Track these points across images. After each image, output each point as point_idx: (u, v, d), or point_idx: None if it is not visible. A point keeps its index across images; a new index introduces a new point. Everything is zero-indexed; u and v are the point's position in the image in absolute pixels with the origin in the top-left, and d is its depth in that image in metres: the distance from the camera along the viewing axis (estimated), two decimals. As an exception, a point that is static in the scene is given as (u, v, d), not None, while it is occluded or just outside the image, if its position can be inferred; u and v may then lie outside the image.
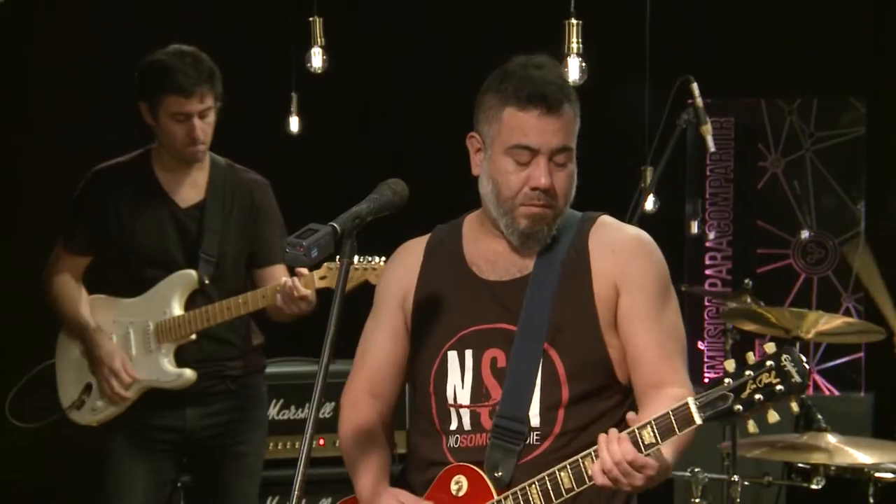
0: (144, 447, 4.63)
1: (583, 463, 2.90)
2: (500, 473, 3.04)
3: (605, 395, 3.10)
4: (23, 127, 6.50)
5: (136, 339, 4.64)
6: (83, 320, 4.67)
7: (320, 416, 2.85)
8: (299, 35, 5.93)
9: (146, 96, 4.51)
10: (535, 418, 3.06)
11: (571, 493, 2.92)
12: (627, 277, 3.10)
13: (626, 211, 4.88)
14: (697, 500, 5.01)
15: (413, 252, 3.27)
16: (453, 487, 3.07)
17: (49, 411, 4.80)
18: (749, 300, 5.42)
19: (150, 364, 4.60)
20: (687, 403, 2.78)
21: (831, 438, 4.98)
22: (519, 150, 3.06)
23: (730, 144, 7.05)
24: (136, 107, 4.55)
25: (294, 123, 6.32)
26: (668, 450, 2.87)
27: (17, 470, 6.50)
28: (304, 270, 4.39)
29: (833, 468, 4.92)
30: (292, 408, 5.72)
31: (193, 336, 4.57)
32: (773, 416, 2.74)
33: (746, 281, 5.53)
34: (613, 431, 2.85)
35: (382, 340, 3.26)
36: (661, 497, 6.48)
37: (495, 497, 3.02)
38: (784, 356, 2.72)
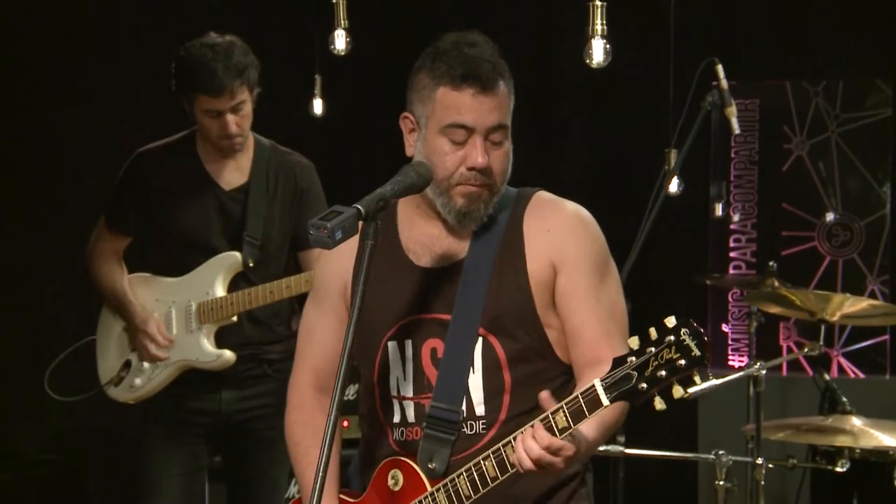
0: (181, 429, 4.66)
1: (504, 451, 2.88)
2: (433, 465, 3.02)
3: (547, 377, 3.07)
4: (62, 100, 6.53)
5: (177, 318, 4.66)
6: (120, 290, 4.69)
7: (345, 397, 2.86)
8: (323, 17, 5.92)
9: (180, 91, 4.53)
10: (479, 406, 3.04)
11: (497, 482, 2.91)
12: (564, 256, 3.05)
13: (650, 193, 4.87)
14: (721, 483, 4.99)
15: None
16: (390, 482, 3.07)
17: (88, 387, 4.84)
18: (774, 283, 5.40)
19: (191, 344, 4.61)
20: (594, 385, 2.75)
21: (856, 421, 4.97)
22: (454, 130, 3.01)
23: (755, 126, 7.02)
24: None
25: (318, 106, 6.31)
26: (588, 429, 2.88)
27: (52, 450, 6.54)
28: None
29: (858, 451, 4.92)
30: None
31: (235, 318, 4.59)
32: (677, 391, 2.69)
33: (771, 263, 5.52)
34: (528, 427, 2.83)
35: (326, 332, 3.21)
36: (684, 479, 6.49)
37: (428, 489, 3.01)
38: (683, 329, 2.68)
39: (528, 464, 2.82)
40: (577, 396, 2.78)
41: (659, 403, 2.72)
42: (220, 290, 4.60)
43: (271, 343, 4.69)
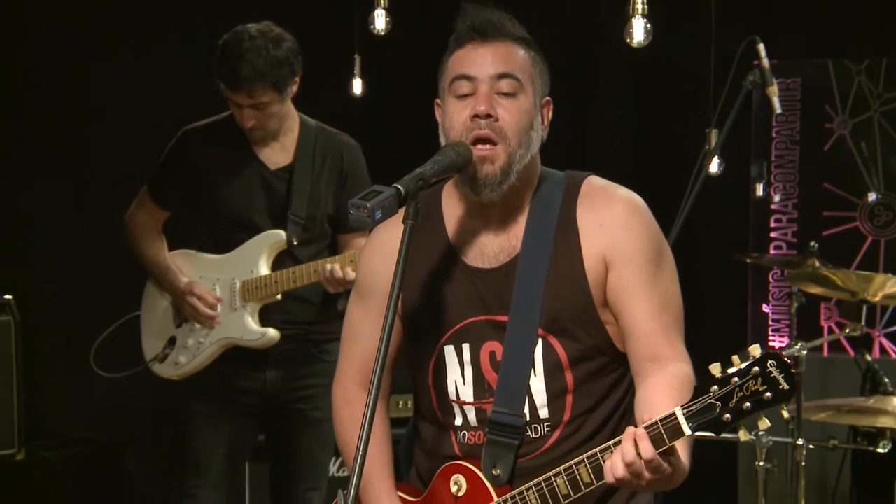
0: (226, 408, 4.69)
1: (577, 469, 2.83)
2: (498, 472, 2.98)
3: (608, 371, 3.03)
4: (117, 80, 6.59)
5: (221, 295, 4.68)
6: (164, 261, 4.73)
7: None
8: (362, -3, 5.93)
9: (215, 72, 4.55)
10: (543, 409, 2.99)
11: (569, 500, 2.85)
12: (616, 251, 2.97)
13: (691, 173, 4.85)
14: (762, 464, 4.98)
15: (393, 228, 2.94)
16: (453, 487, 3.02)
17: (132, 364, 4.86)
18: (815, 263, 5.37)
19: (235, 322, 4.64)
20: (675, 414, 2.68)
21: (898, 402, 4.95)
22: (458, 83, 2.98)
23: (796, 106, 6.97)
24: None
25: (357, 86, 6.32)
26: (683, 455, 2.79)
27: (95, 428, 6.59)
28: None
29: (899, 432, 4.90)
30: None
31: (279, 296, 4.60)
32: (763, 423, 2.65)
33: (812, 244, 5.49)
34: (630, 430, 2.74)
35: (373, 332, 3.04)
36: (725, 461, 6.47)
37: (495, 499, 2.96)
38: (770, 361, 2.61)
39: (621, 471, 2.71)
40: (656, 423, 2.70)
41: (744, 435, 2.68)
42: (264, 269, 4.62)
43: (315, 323, 4.70)
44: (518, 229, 3.02)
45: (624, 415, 3.07)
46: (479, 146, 2.94)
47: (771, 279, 7.00)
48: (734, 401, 2.64)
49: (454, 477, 3.02)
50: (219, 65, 4.51)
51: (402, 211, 2.87)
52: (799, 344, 4.94)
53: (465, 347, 3.04)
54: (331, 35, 6.51)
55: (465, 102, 2.96)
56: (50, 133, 6.58)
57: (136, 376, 4.86)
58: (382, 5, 5.76)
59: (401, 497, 3.13)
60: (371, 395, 2.70)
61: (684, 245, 4.71)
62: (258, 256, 4.62)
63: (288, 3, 5.72)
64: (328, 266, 4.44)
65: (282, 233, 4.61)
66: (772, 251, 7.00)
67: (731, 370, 2.65)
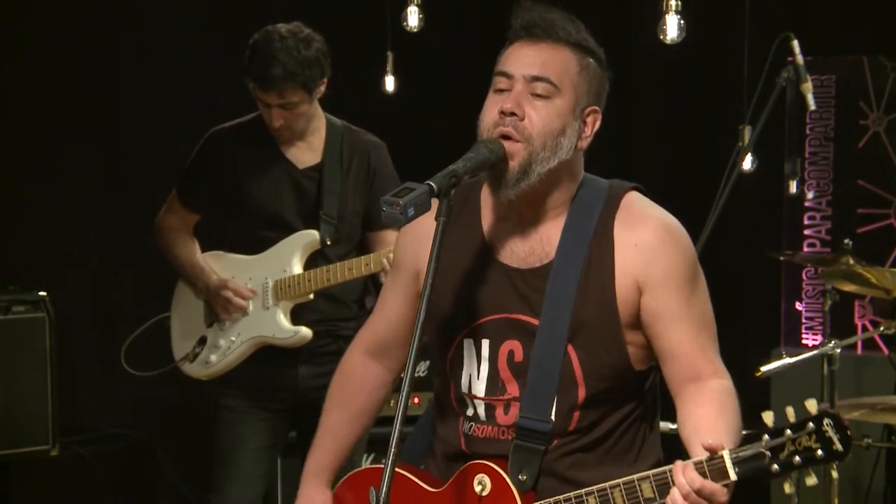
0: (258, 405, 4.70)
1: (611, 493, 2.82)
2: (524, 477, 2.96)
3: (620, 390, 3.01)
4: (135, 79, 6.61)
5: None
6: (198, 262, 4.76)
7: (416, 374, 2.85)
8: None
9: (244, 71, 4.57)
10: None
11: None
12: (650, 276, 2.93)
13: (724, 170, 4.84)
14: (795, 462, 4.95)
15: (430, 215, 2.94)
16: (476, 487, 2.99)
17: (162, 363, 4.89)
18: (849, 260, 5.35)
19: (267, 320, 4.65)
20: (722, 457, 2.66)
21: (933, 401, 4.93)
22: (498, 79, 2.97)
23: (830, 102, 6.94)
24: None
25: (390, 83, 6.32)
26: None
27: (128, 426, 6.63)
28: None
29: (934, 431, 4.87)
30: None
31: (311, 295, 4.61)
32: (811, 480, 2.62)
33: (846, 241, 5.46)
34: (679, 464, 2.73)
35: (394, 304, 3.20)
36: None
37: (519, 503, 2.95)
38: (826, 420, 2.58)
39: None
40: (702, 462, 2.69)
41: (788, 488, 2.66)
42: (297, 268, 4.63)
43: (346, 319, 4.71)
44: (553, 234, 2.99)
45: (628, 429, 3.05)
46: (504, 142, 2.93)
47: (804, 277, 6.96)
48: (784, 454, 2.61)
49: (478, 476, 3.00)
50: (249, 65, 4.52)
51: None
52: (833, 342, 4.91)
53: (485, 343, 3.03)
54: (364, 32, 6.52)
55: (499, 98, 2.95)
56: (85, 131, 6.62)
57: (169, 374, 4.88)
58: (415, 2, 5.76)
59: (418, 485, 3.12)
60: (403, 393, 2.71)
61: (717, 242, 4.71)
62: (291, 256, 4.63)
63: (320, 1, 5.73)
64: (384, 260, 4.44)
65: (315, 233, 4.63)
66: (805, 249, 6.96)
67: (784, 423, 2.62)
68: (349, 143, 4.71)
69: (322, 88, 4.59)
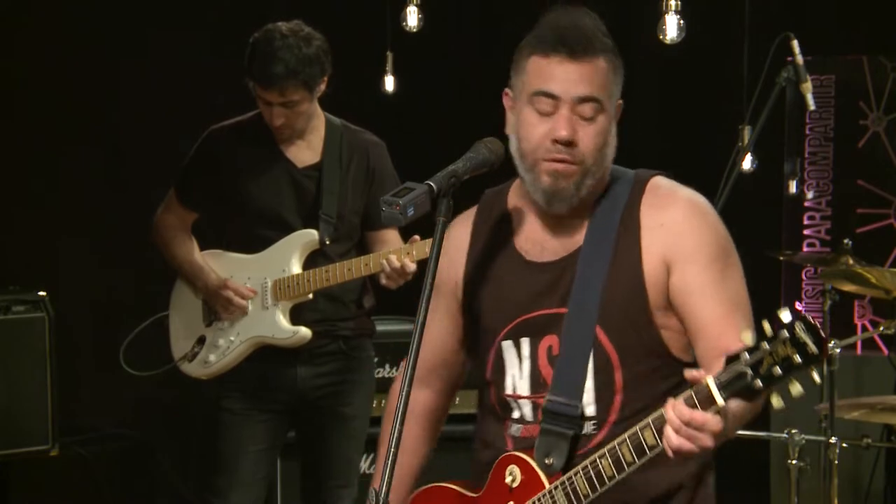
0: (257, 405, 4.70)
1: (619, 449, 2.80)
2: (551, 461, 2.94)
3: (662, 376, 2.98)
4: (134, 78, 6.61)
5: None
6: (197, 261, 4.75)
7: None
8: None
9: (245, 70, 4.57)
10: (589, 407, 2.96)
11: (614, 480, 2.81)
12: (677, 252, 2.91)
13: (724, 170, 4.84)
14: (794, 462, 4.96)
15: (461, 227, 3.09)
16: (507, 479, 2.99)
17: (161, 363, 4.88)
18: (849, 260, 5.35)
19: (266, 320, 4.65)
20: (707, 385, 2.65)
21: (932, 401, 4.92)
22: (540, 98, 2.91)
23: (830, 102, 6.94)
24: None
25: (389, 82, 6.32)
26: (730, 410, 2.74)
27: (127, 426, 6.63)
28: (417, 237, 4.40)
29: (934, 431, 4.87)
30: (386, 366, 5.74)
31: (311, 295, 4.61)
32: (795, 389, 2.59)
33: (846, 241, 5.46)
34: (670, 401, 2.71)
35: (435, 327, 3.07)
36: (757, 459, 6.45)
37: (546, 487, 2.93)
38: (798, 325, 2.57)
39: (675, 440, 2.68)
40: (690, 394, 2.68)
41: (777, 402, 2.63)
42: (296, 268, 4.63)
43: (344, 319, 4.72)
44: (582, 226, 3.00)
45: None
46: (554, 163, 2.91)
47: (804, 277, 6.96)
48: (764, 367, 2.61)
49: (509, 468, 3.00)
50: (250, 63, 4.53)
51: (473, 209, 2.94)
52: (833, 342, 4.91)
53: (525, 342, 3.02)
54: (363, 32, 6.53)
55: (544, 119, 2.92)
56: (84, 131, 6.61)
57: (168, 374, 4.88)
58: (414, 2, 5.77)
59: (459, 493, 3.11)
60: (403, 393, 2.73)
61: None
62: (290, 256, 4.63)
63: (320, 1, 5.73)
64: (392, 258, 4.43)
65: (314, 232, 4.62)
66: (805, 249, 6.97)
67: (761, 337, 2.62)
68: (348, 142, 4.71)
69: (322, 87, 4.59)
